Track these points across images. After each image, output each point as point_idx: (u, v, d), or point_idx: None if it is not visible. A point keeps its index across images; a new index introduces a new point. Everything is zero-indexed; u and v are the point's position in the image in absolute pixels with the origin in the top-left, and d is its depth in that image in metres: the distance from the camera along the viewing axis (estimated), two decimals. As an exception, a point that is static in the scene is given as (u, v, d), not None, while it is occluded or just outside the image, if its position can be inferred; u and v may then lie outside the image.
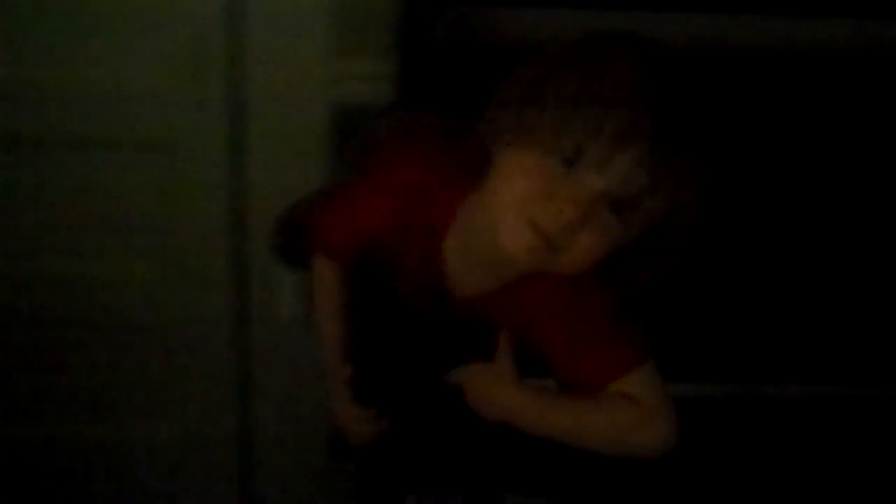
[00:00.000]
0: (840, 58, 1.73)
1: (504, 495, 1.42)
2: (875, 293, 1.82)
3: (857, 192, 1.80)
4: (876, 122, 1.74)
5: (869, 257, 1.81)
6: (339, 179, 1.48)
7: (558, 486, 1.48)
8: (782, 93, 1.74)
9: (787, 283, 1.80)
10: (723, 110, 1.01)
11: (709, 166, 0.98)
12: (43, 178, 1.65)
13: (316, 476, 1.84)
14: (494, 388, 1.10)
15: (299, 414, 1.79)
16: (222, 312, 1.74)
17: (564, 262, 0.98)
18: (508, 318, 1.12)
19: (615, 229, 0.97)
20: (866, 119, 1.74)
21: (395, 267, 1.19)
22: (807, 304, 1.80)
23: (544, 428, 1.08)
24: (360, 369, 1.24)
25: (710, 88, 1.00)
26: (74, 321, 1.74)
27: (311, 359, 1.77)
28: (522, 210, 0.96)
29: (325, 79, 1.61)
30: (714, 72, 1.73)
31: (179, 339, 1.76)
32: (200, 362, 1.77)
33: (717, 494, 1.67)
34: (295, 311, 1.74)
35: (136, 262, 1.71)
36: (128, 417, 1.80)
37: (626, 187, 0.95)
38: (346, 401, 1.25)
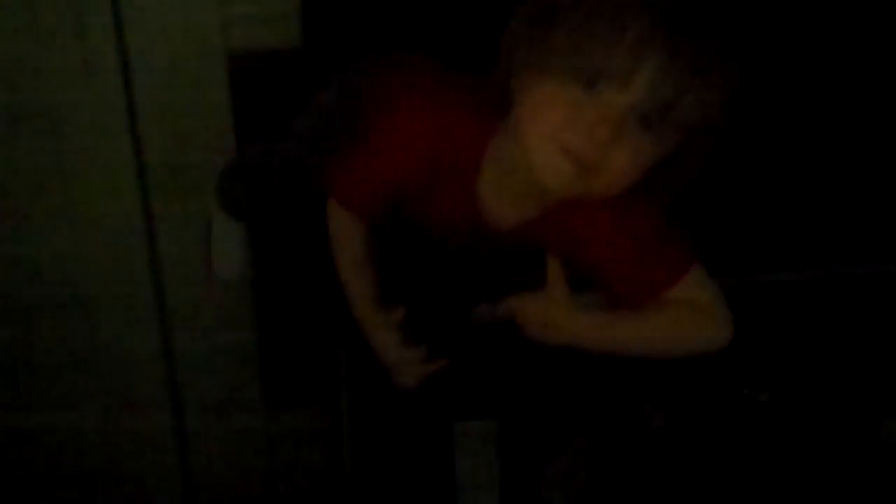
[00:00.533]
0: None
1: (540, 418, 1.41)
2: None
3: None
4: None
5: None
6: (320, 129, 1.41)
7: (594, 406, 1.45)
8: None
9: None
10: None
11: (731, 65, 0.95)
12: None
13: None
14: (554, 314, 1.09)
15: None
16: (139, 274, 1.70)
17: (602, 184, 0.97)
18: (555, 242, 1.10)
19: (647, 144, 0.96)
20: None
21: (426, 212, 1.16)
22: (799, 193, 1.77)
23: (609, 344, 1.10)
24: (405, 311, 1.21)
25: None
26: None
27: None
28: (553, 140, 0.95)
29: (216, 25, 1.55)
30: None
31: (101, 308, 1.72)
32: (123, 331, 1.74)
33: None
34: (235, 267, 1.71)
35: (48, 236, 1.66)
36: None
37: (651, 99, 0.92)
38: (396, 345, 1.21)
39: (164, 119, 1.60)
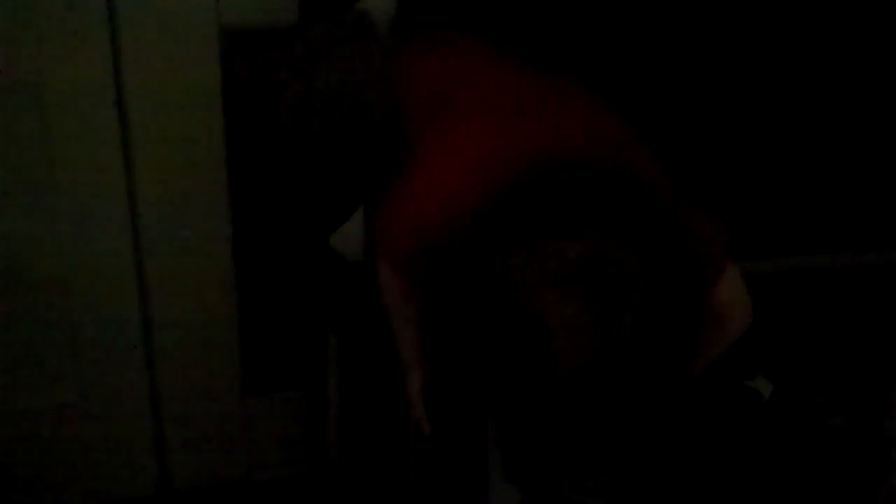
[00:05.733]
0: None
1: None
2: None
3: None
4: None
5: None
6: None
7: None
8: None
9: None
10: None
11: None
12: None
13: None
14: None
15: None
16: (121, 248, 1.67)
17: None
18: None
19: None
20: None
21: None
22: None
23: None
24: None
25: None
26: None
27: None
28: None
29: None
30: None
31: (82, 288, 1.69)
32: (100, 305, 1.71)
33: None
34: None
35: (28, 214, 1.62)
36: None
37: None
38: (416, 398, 1.29)
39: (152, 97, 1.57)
